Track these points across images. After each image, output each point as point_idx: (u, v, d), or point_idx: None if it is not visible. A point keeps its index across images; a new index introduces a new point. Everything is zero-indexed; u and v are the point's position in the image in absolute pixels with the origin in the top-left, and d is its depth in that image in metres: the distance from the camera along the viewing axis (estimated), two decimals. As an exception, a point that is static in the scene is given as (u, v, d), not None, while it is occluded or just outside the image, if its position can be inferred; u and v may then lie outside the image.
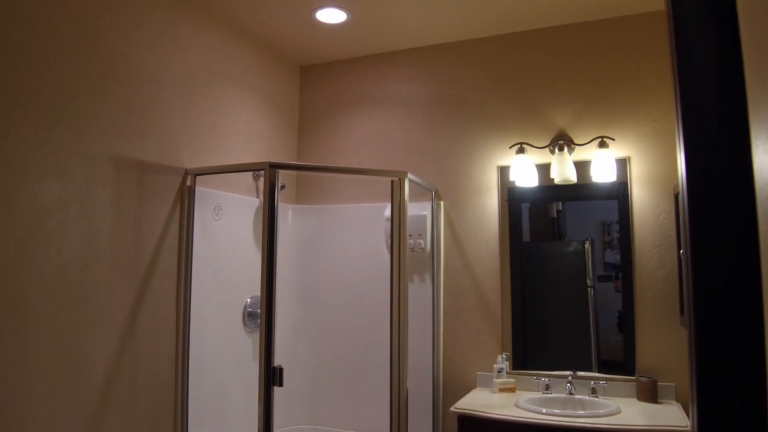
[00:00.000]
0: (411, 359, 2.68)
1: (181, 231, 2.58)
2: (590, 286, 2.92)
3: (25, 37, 1.94)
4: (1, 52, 1.86)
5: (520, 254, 3.02)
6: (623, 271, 2.79)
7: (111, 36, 2.28)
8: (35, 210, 1.95)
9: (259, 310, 2.85)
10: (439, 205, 3.15)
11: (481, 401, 2.66)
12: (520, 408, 2.52)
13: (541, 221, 3.10)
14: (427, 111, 3.27)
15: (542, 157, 2.96)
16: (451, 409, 2.57)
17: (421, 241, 3.05)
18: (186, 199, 2.61)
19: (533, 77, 3.04)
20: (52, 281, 2.00)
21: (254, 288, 2.91)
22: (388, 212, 3.04)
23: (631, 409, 2.48)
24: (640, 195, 2.78)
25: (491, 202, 3.05)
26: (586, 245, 2.95)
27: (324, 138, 3.54)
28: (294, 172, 3.52)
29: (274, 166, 2.40)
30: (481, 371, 2.96)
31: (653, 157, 2.77)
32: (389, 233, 2.59)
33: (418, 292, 3.10)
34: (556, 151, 2.88)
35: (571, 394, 2.71)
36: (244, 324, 2.94)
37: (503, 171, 3.04)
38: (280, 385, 2.26)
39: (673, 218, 2.69)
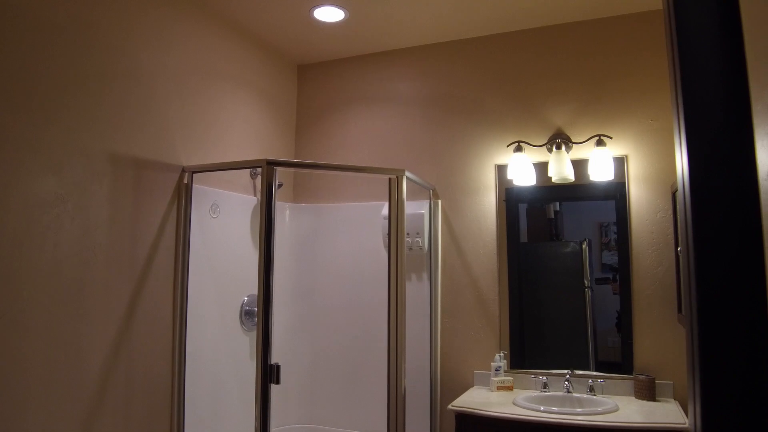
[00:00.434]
0: (409, 358, 2.68)
1: (178, 228, 2.57)
2: (588, 287, 2.92)
3: (22, 34, 1.93)
4: (-3, 47, 1.86)
5: (517, 255, 3.01)
6: (621, 270, 2.79)
7: (109, 33, 2.28)
8: (31, 205, 1.94)
9: (256, 309, 2.84)
10: (436, 204, 3.15)
11: (478, 399, 2.65)
12: (517, 406, 2.51)
13: (538, 222, 3.09)
14: (424, 110, 3.27)
15: (540, 155, 2.96)
16: (449, 407, 2.56)
17: (419, 239, 3.04)
18: (183, 196, 2.60)
19: (531, 76, 3.04)
20: (48, 277, 1.99)
21: (251, 286, 2.90)
22: (385, 211, 3.03)
23: (629, 407, 2.48)
24: (637, 193, 2.78)
25: (489, 201, 3.05)
26: (583, 246, 2.95)
27: (321, 137, 3.53)
28: (291, 171, 3.52)
29: (271, 164, 2.39)
30: (479, 370, 2.96)
31: (651, 156, 2.78)
32: (387, 232, 2.58)
33: (415, 290, 3.09)
34: (554, 149, 2.88)
35: (568, 392, 2.71)
36: (241, 323, 2.93)
37: (501, 170, 3.04)
38: (277, 382, 2.25)
39: (671, 216, 2.69)
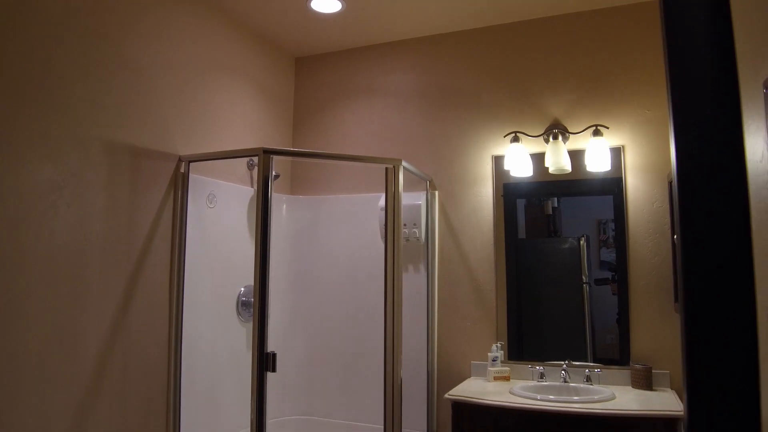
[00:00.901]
0: (405, 349, 2.68)
1: (175, 217, 2.57)
2: (586, 283, 2.92)
3: (23, 24, 1.93)
4: (-8, 32, 1.86)
5: (515, 251, 3.01)
6: (618, 261, 2.79)
7: (108, 24, 2.28)
8: (27, 192, 1.94)
9: (252, 300, 2.83)
10: (433, 195, 3.15)
11: (475, 389, 2.65)
12: (514, 395, 2.51)
13: (536, 218, 3.10)
14: (421, 101, 3.27)
15: (537, 146, 2.96)
16: (446, 396, 2.56)
17: (416, 230, 3.04)
18: (180, 185, 2.60)
19: (528, 68, 3.04)
20: (44, 264, 1.99)
21: (248, 277, 2.88)
22: (382, 202, 3.03)
23: (626, 396, 2.48)
24: (634, 183, 2.79)
25: (486, 192, 3.05)
26: (581, 242, 2.95)
27: (319, 129, 3.53)
28: (289, 162, 3.51)
29: (267, 152, 2.39)
30: (476, 360, 2.96)
31: (647, 146, 2.78)
32: (384, 223, 2.58)
33: (412, 281, 3.09)
34: (551, 139, 2.88)
35: (565, 382, 2.70)
36: (238, 313, 2.93)
37: (498, 161, 3.04)
38: (273, 370, 2.25)
39: (668, 206, 2.70)
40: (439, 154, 3.18)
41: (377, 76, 3.41)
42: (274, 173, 2.76)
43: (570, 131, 2.90)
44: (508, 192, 3.03)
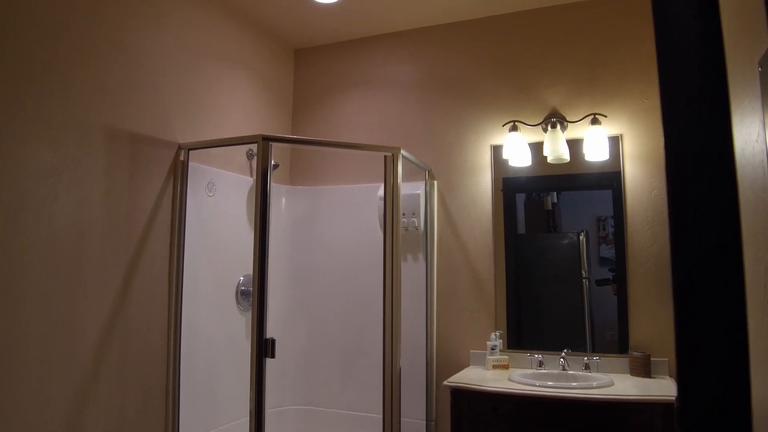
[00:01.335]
0: (404, 338, 2.68)
1: (174, 205, 2.58)
2: (585, 278, 2.92)
3: (24, 8, 1.94)
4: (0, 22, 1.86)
5: (515, 245, 3.02)
6: (618, 255, 2.78)
7: (110, 11, 2.29)
8: (26, 176, 1.94)
9: (252, 288, 2.84)
10: (432, 185, 3.16)
11: (474, 376, 2.65)
12: (513, 381, 2.52)
13: (536, 213, 3.10)
14: (420, 92, 3.28)
15: (535, 135, 2.96)
16: (444, 383, 2.56)
17: (415, 219, 3.05)
18: (179, 173, 2.60)
19: (526, 57, 3.05)
20: (44, 248, 1.99)
21: (247, 266, 2.89)
22: (381, 192, 3.03)
23: (624, 383, 2.48)
24: (632, 172, 2.79)
25: (485, 181, 3.06)
26: (581, 237, 2.95)
27: (318, 120, 3.54)
28: (288, 151, 3.52)
29: (267, 139, 2.40)
30: (475, 350, 2.96)
31: (645, 134, 2.79)
32: (383, 213, 2.59)
33: (411, 271, 3.10)
34: (549, 128, 2.89)
35: (564, 369, 2.71)
36: (237, 302, 2.93)
37: (496, 150, 3.05)
38: (272, 356, 2.25)
39: (665, 194, 2.70)
40: (438, 144, 3.19)
41: (376, 66, 3.42)
42: (273, 162, 2.77)
43: (568, 120, 2.90)
44: (507, 186, 3.03)
